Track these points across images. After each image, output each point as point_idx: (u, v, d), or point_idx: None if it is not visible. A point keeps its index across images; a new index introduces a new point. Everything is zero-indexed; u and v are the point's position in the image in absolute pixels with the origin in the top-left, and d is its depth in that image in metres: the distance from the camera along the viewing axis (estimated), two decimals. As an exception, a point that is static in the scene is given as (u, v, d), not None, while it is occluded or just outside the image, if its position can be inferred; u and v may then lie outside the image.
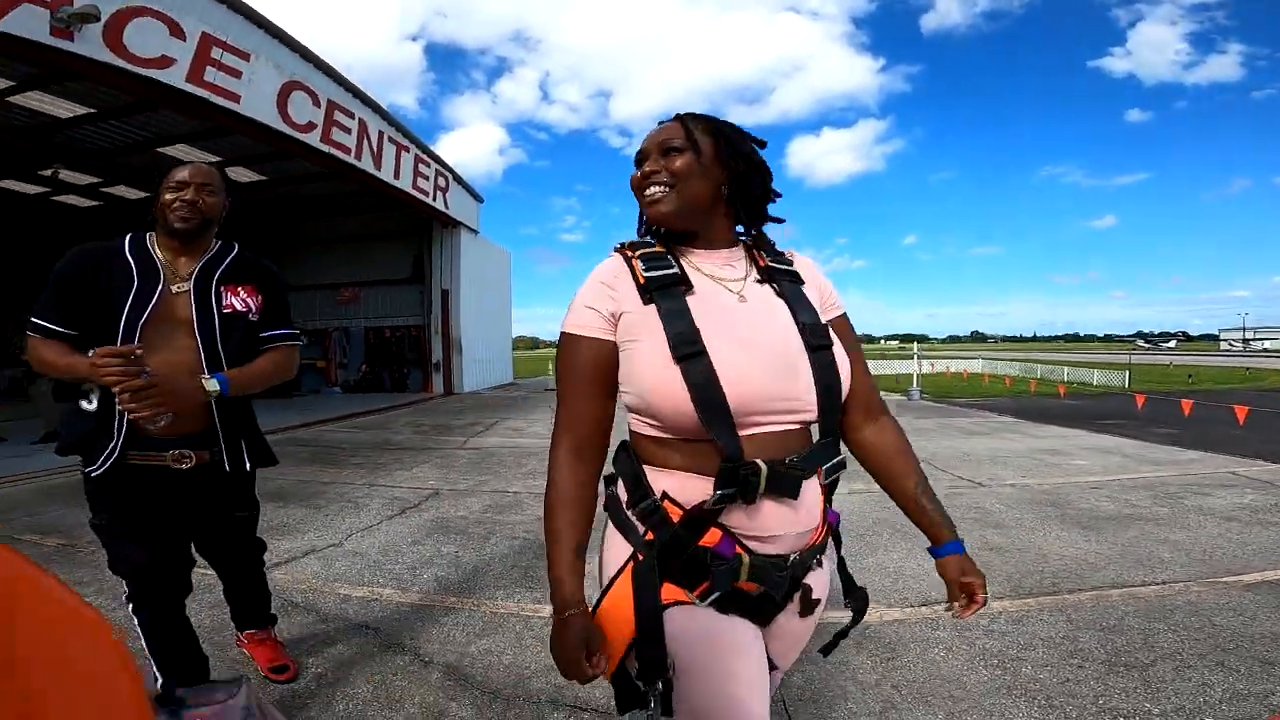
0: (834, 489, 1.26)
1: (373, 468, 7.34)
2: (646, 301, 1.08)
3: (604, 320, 1.10)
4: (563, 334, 1.14)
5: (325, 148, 11.71)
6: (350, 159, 12.55)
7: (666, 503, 1.07)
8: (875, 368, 30.68)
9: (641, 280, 1.09)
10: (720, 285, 1.13)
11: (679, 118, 1.16)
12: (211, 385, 1.89)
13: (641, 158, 1.17)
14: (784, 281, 1.18)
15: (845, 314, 1.28)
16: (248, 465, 2.14)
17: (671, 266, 1.11)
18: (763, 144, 1.18)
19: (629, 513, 1.13)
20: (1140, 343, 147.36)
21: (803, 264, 1.25)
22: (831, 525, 1.27)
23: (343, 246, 19.59)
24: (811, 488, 1.13)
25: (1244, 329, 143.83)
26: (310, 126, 11.16)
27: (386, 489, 6.19)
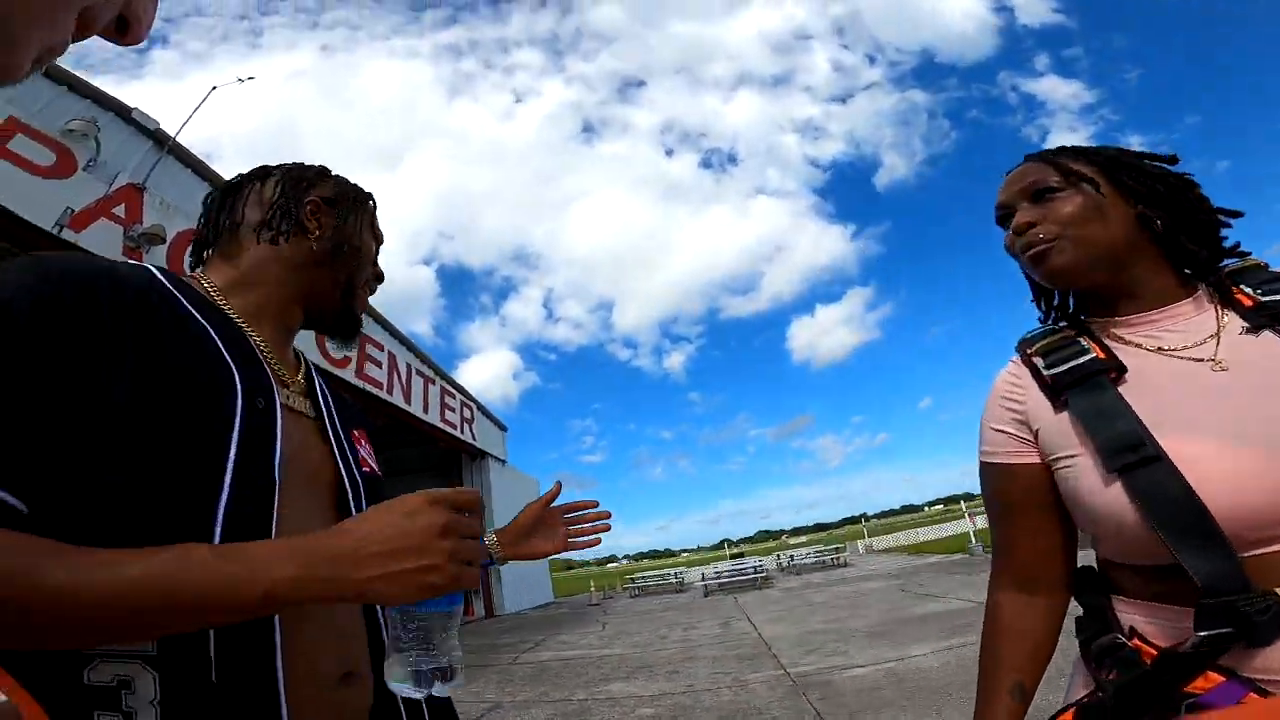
0: None
1: (428, 695, 6.87)
2: (1060, 407, 0.85)
3: (1017, 441, 0.89)
4: (980, 464, 0.95)
5: (360, 383, 11.49)
6: (383, 394, 12.23)
7: (1136, 640, 0.80)
8: (926, 534, 29.17)
9: (1047, 380, 0.86)
10: (1172, 357, 0.82)
11: (1038, 156, 0.93)
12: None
13: (1005, 214, 0.94)
14: None
15: None
16: None
17: (1084, 352, 0.85)
18: (1173, 160, 0.88)
19: (1093, 646, 0.86)
20: None
21: None
22: None
23: (375, 485, 19.81)
24: None
25: None
26: (345, 361, 10.89)
27: (446, 712, 5.78)
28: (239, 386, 0.68)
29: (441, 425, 15.58)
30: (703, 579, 20.41)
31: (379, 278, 0.95)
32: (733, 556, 40.15)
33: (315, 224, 0.83)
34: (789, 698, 4.88)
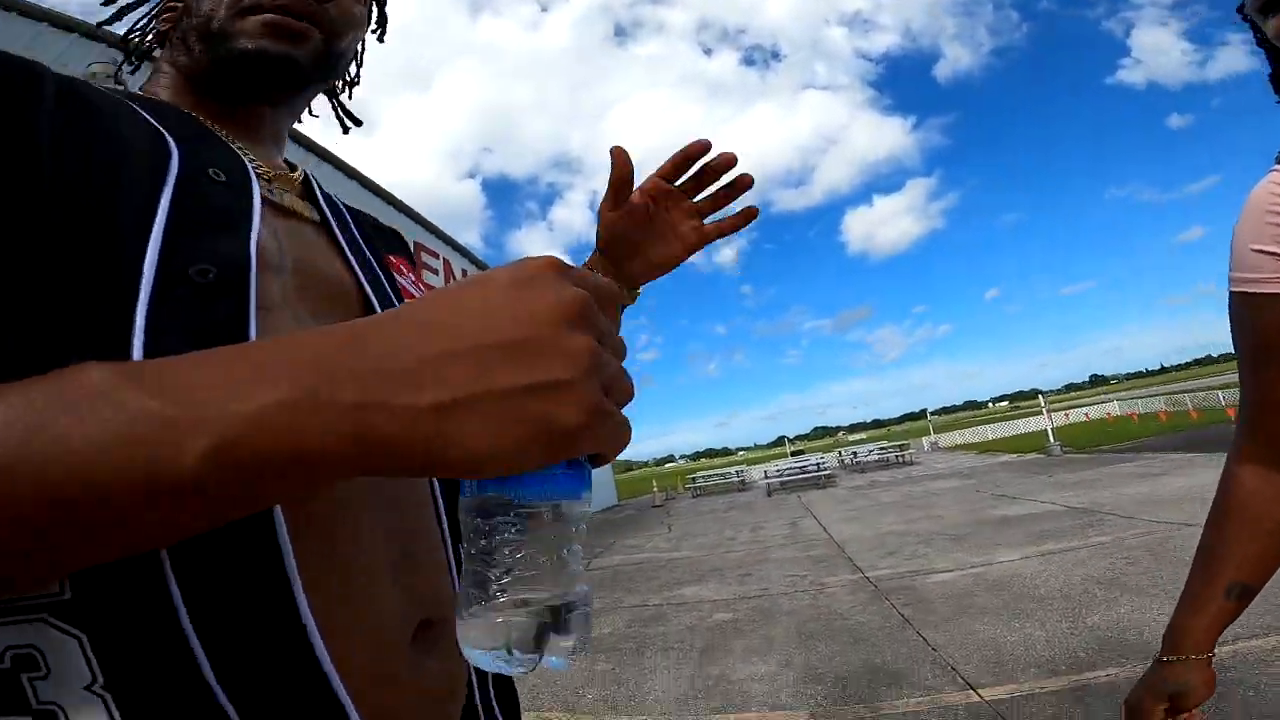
0: None
1: (506, 598, 7.17)
2: None
3: None
4: (1231, 295, 0.78)
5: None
6: None
7: None
8: (996, 431, 28.41)
9: None
10: None
11: None
12: None
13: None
14: None
15: None
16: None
17: None
18: None
19: None
20: None
21: None
22: None
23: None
24: None
25: None
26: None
27: (525, 616, 5.97)
28: (173, 149, 0.44)
29: None
30: (765, 477, 20.58)
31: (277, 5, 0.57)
32: (793, 454, 40.51)
33: (169, 19, 0.60)
34: (872, 602, 4.72)
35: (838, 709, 2.95)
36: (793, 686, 3.31)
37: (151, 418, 0.24)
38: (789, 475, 19.36)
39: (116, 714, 0.31)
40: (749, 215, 0.76)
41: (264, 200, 0.49)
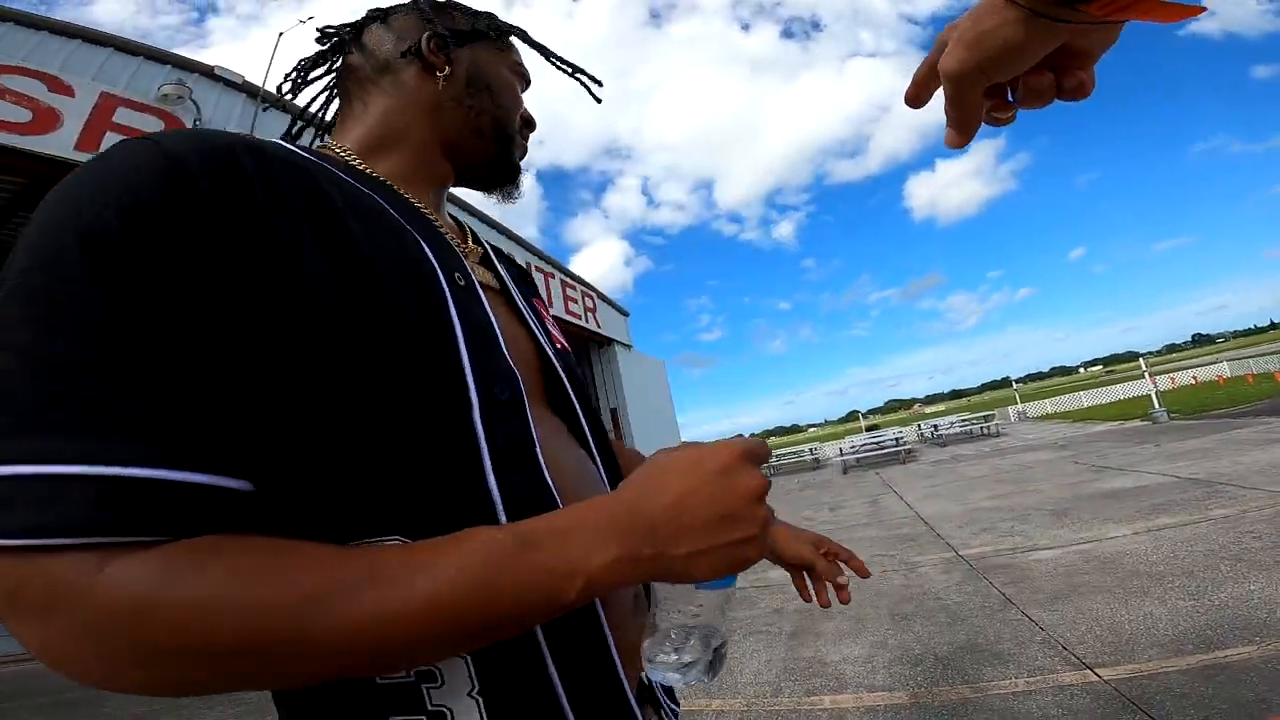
0: None
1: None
2: None
3: None
4: None
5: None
6: None
7: None
8: (1090, 398, 26.64)
9: None
10: None
11: None
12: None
13: None
14: None
15: None
16: None
17: None
18: None
19: None
20: None
21: None
22: None
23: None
24: None
25: None
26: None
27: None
28: (434, 260, 0.54)
29: (566, 316, 16.25)
30: (840, 454, 20.10)
31: (530, 123, 0.76)
32: (868, 429, 39.37)
33: (440, 59, 0.66)
34: (969, 581, 4.55)
35: (940, 690, 2.87)
36: (889, 668, 3.25)
37: (552, 572, 0.40)
38: (865, 451, 18.83)
39: (485, 714, 0.45)
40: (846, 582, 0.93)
41: (481, 286, 0.60)
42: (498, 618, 0.39)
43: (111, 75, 6.22)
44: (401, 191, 0.62)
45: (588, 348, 19.16)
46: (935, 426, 23.54)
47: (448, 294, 0.52)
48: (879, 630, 3.85)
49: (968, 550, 5.49)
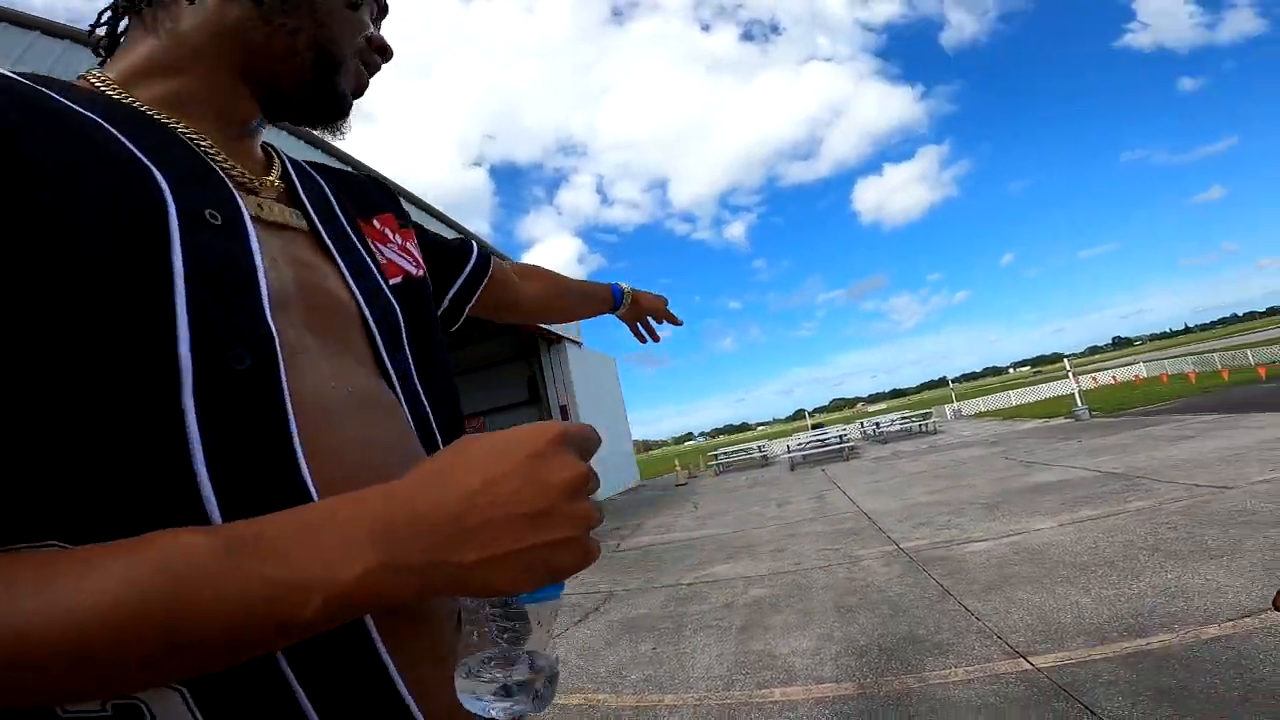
0: None
1: (540, 580, 7.29)
2: None
3: None
4: None
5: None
6: None
7: None
8: (1019, 396, 28.03)
9: None
10: None
11: None
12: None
13: None
14: None
15: None
16: None
17: None
18: None
19: None
20: None
21: None
22: None
23: (459, 379, 20.95)
24: None
25: None
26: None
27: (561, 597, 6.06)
28: (167, 194, 0.43)
29: None
30: (787, 452, 20.53)
31: (382, 50, 0.64)
32: (814, 426, 40.37)
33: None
34: (909, 574, 4.71)
35: (885, 680, 2.96)
36: (836, 659, 3.32)
37: (277, 585, 0.31)
38: (811, 449, 19.29)
39: None
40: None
41: (256, 220, 0.49)
42: (195, 640, 0.30)
43: (34, 60, 5.77)
44: (164, 119, 0.50)
45: (537, 345, 19.02)
46: (877, 424, 24.34)
47: (174, 234, 0.41)
48: (825, 623, 3.94)
49: (908, 543, 5.68)
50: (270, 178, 0.58)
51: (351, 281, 0.56)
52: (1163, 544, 4.15)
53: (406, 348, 0.58)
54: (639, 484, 23.62)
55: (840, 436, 19.61)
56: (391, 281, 0.62)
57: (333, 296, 0.54)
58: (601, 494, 18.95)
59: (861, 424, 27.07)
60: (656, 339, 1.38)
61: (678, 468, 23.31)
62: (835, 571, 5.19)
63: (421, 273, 0.70)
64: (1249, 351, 23.58)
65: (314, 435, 0.43)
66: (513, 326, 16.47)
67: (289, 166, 0.63)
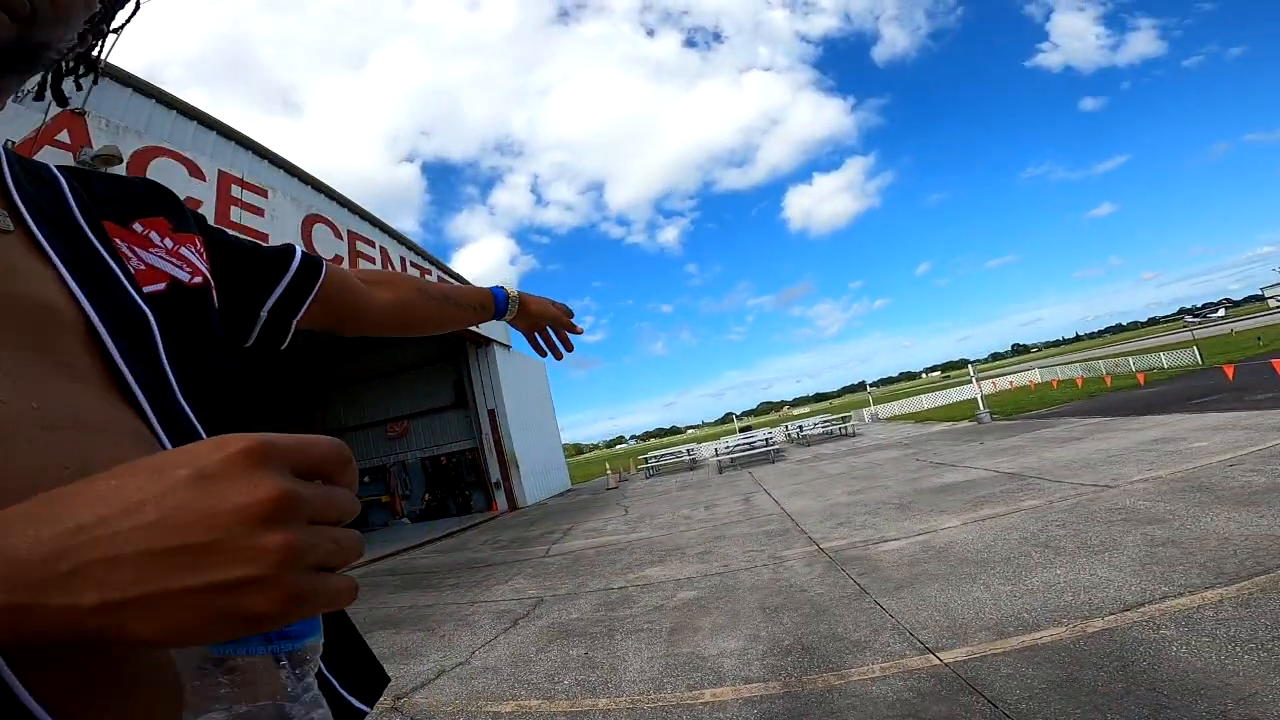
0: None
1: (469, 585, 7.19)
2: None
3: None
4: None
5: (172, 263, 11.88)
6: None
7: None
8: (930, 400, 29.74)
9: None
10: None
11: None
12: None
13: None
14: None
15: None
16: None
17: None
18: None
19: None
20: (1188, 319, 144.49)
21: None
22: None
23: (384, 382, 20.26)
24: None
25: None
26: (337, 259, 11.10)
27: (490, 604, 6.01)
28: None
29: None
30: (715, 455, 20.98)
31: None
32: (741, 430, 41.34)
33: None
34: (829, 573, 4.94)
35: (809, 679, 3.10)
36: (762, 659, 3.45)
37: None
38: (738, 452, 19.80)
39: None
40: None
41: None
42: None
43: None
44: None
45: (464, 348, 18.63)
46: (800, 428, 25.24)
47: None
48: (752, 623, 4.08)
49: (828, 544, 5.95)
50: None
51: (74, 286, 0.49)
52: (1052, 541, 4.54)
53: (165, 362, 0.51)
54: (569, 488, 23.49)
55: (766, 440, 20.22)
56: (148, 289, 0.55)
57: (33, 301, 0.46)
58: (532, 500, 18.76)
59: (786, 427, 28.00)
60: (559, 355, 1.26)
61: (609, 471, 23.36)
62: (761, 573, 5.37)
63: (198, 280, 0.62)
64: (1130, 359, 25.96)
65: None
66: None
67: (6, 165, 0.55)
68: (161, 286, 0.56)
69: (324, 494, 0.32)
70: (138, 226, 0.60)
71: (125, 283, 0.52)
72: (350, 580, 0.32)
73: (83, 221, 0.54)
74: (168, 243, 0.61)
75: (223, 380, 0.57)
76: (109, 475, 0.30)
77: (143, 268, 0.56)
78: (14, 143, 5.84)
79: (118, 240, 0.57)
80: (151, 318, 0.51)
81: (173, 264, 0.60)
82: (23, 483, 0.37)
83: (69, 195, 0.56)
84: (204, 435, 0.50)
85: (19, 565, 0.26)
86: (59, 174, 0.58)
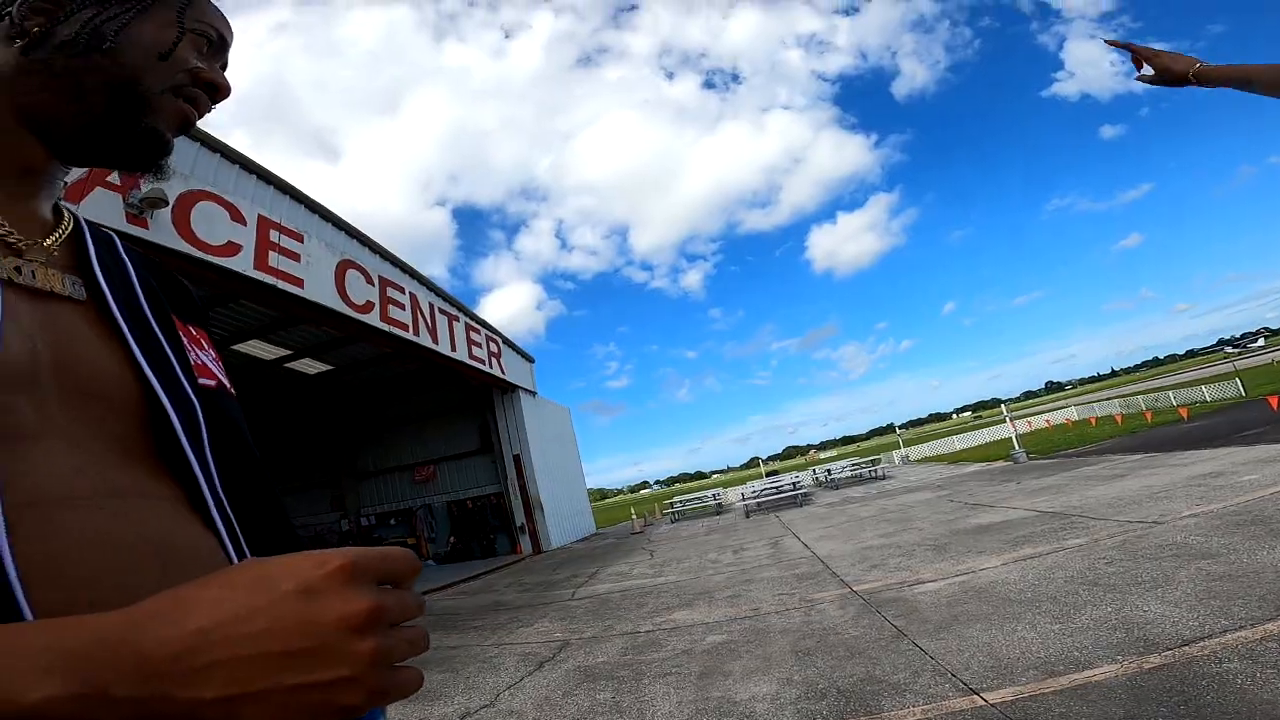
0: None
1: (494, 628, 7.05)
2: None
3: None
4: None
5: (385, 326, 11.57)
6: (409, 335, 12.43)
7: None
8: (962, 441, 28.98)
9: None
10: None
11: None
12: None
13: None
14: None
15: None
16: None
17: None
18: None
19: None
20: (1228, 349, 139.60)
21: None
22: None
23: (411, 427, 20.38)
24: None
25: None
26: (369, 306, 11.08)
27: (515, 646, 5.88)
28: None
29: (470, 362, 15.89)
30: (742, 499, 20.59)
31: (213, 87, 0.60)
32: (768, 474, 40.65)
33: (39, 21, 0.53)
34: (863, 616, 4.75)
35: (845, 723, 2.96)
36: (795, 704, 3.31)
37: None
38: (765, 496, 19.41)
39: None
40: None
41: (7, 284, 0.46)
42: None
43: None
44: None
45: (491, 395, 18.76)
46: (829, 471, 24.73)
47: None
48: (784, 667, 3.92)
49: (861, 586, 5.75)
50: (49, 240, 0.54)
51: (144, 363, 0.52)
52: (1101, 579, 4.33)
53: (208, 452, 0.54)
54: (594, 532, 23.19)
55: (793, 484, 19.82)
56: (201, 382, 0.59)
57: (104, 377, 0.49)
58: (557, 543, 18.51)
59: (814, 471, 27.45)
60: None
61: (634, 516, 23.03)
62: (792, 616, 5.19)
63: (233, 393, 0.66)
64: (1170, 393, 25.13)
65: (37, 533, 0.39)
66: (462, 373, 16.13)
67: (89, 236, 0.59)
68: (212, 383, 0.61)
69: (399, 600, 0.37)
70: (192, 329, 0.65)
71: (180, 370, 0.56)
72: (418, 671, 0.38)
73: (147, 305, 0.58)
74: (211, 352, 0.67)
75: (258, 486, 0.62)
76: (216, 583, 0.34)
77: (198, 363, 0.61)
78: (66, 184, 6.20)
79: (180, 334, 0.61)
80: (200, 411, 0.55)
81: (217, 369, 0.65)
82: (102, 545, 0.42)
83: (133, 276, 0.60)
84: (232, 515, 0.55)
85: (150, 660, 0.31)
86: (124, 253, 0.62)
